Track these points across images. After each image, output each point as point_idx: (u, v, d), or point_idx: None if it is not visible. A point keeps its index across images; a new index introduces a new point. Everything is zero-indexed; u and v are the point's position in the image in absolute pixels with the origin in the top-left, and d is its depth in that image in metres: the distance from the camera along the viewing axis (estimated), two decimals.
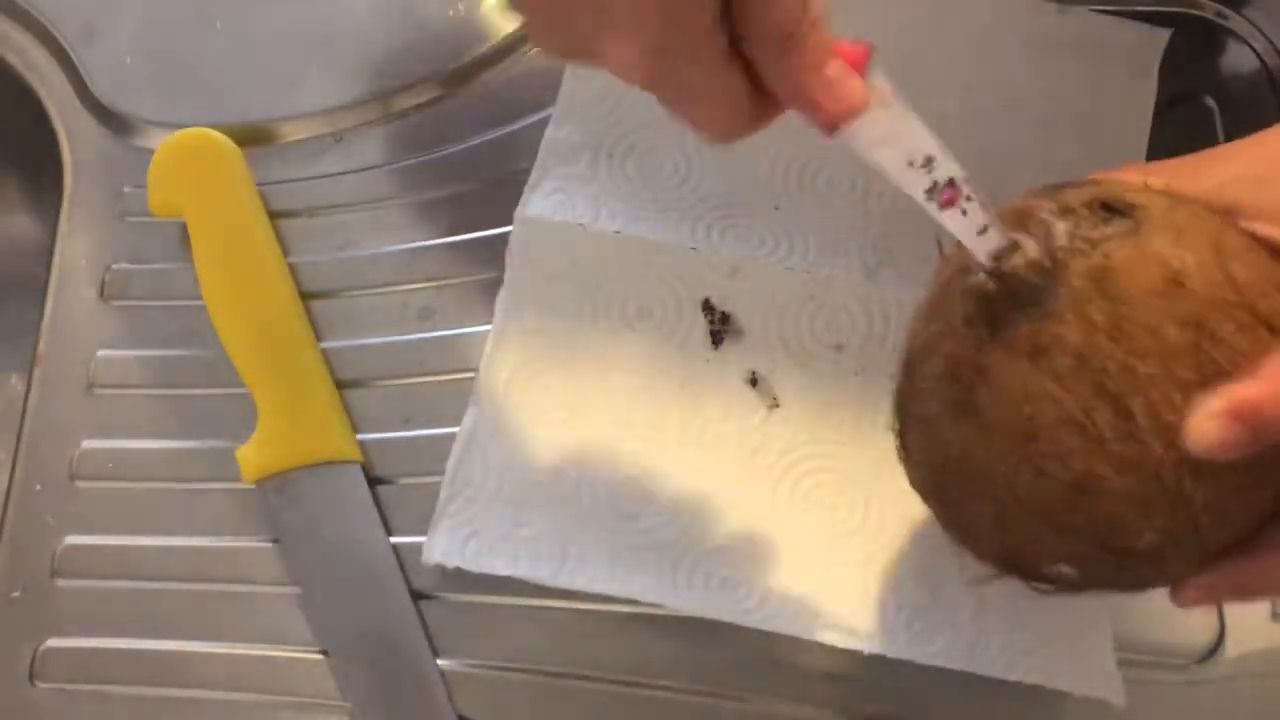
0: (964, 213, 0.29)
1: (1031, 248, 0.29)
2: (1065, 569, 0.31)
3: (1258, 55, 0.48)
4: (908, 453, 0.34)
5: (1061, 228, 0.29)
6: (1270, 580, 0.30)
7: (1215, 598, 0.31)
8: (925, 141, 0.29)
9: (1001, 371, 0.29)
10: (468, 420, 0.42)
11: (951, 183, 0.29)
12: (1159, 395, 0.27)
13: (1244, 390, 0.26)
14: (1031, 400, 0.28)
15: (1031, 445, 0.28)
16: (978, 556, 0.33)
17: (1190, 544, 0.29)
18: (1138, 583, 0.31)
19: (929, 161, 0.29)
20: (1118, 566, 0.30)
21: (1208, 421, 0.26)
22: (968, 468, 0.30)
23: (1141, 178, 0.32)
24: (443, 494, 0.41)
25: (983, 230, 0.29)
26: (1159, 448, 0.27)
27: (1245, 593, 0.31)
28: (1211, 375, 0.27)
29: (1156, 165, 0.33)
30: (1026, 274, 0.28)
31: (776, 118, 0.29)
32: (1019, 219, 0.30)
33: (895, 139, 0.29)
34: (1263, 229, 0.30)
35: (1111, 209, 0.29)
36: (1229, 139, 0.46)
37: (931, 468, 0.33)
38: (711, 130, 0.29)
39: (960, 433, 0.30)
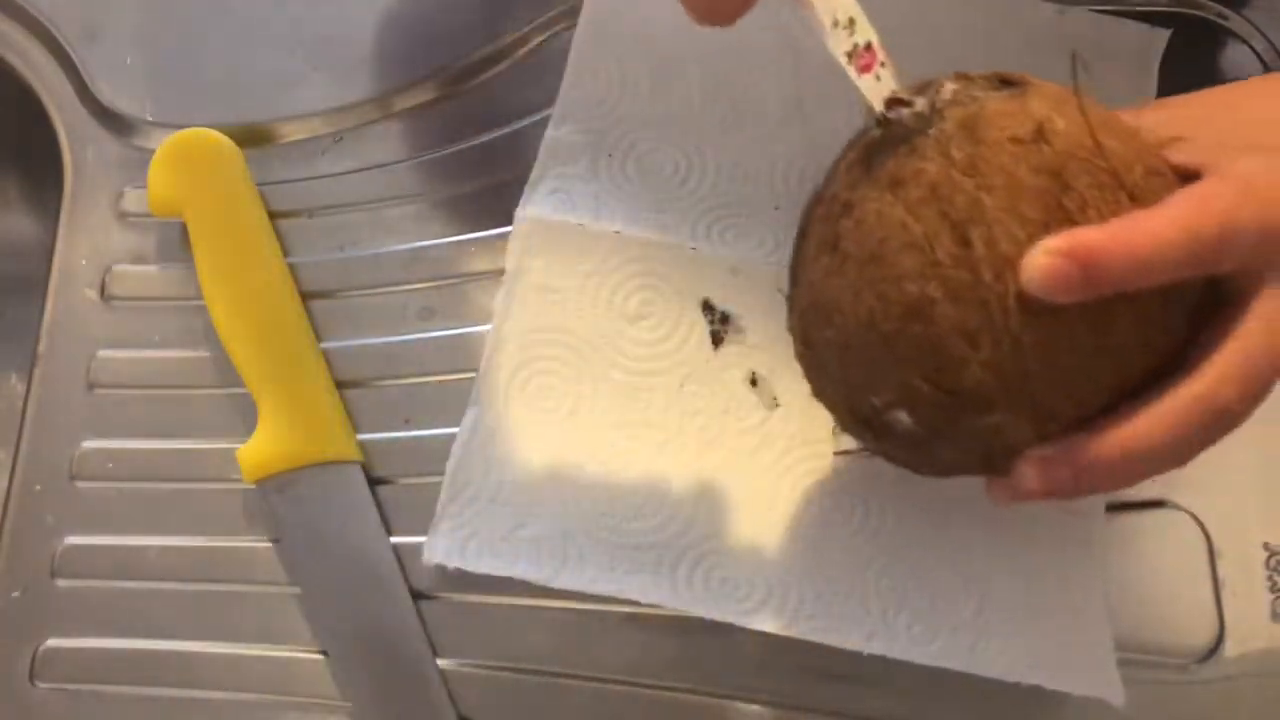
0: (878, 78, 0.31)
1: (919, 102, 0.30)
2: (902, 415, 0.30)
3: (1258, 55, 0.48)
4: (790, 307, 0.34)
5: (950, 86, 0.30)
6: (1108, 463, 0.29)
7: (1052, 480, 0.29)
8: (849, 4, 0.31)
9: (862, 203, 0.30)
10: (468, 420, 0.42)
11: (869, 46, 0.31)
12: (1000, 230, 0.28)
13: (1085, 234, 0.27)
14: (883, 226, 0.29)
15: (876, 269, 0.29)
16: (831, 410, 0.34)
17: (1020, 395, 0.29)
18: (975, 445, 0.30)
19: (851, 23, 0.31)
20: (949, 412, 0.30)
21: (1042, 256, 0.27)
22: (824, 299, 0.31)
23: None
24: (443, 494, 0.41)
25: (894, 104, 0.31)
26: (990, 278, 0.28)
27: (1085, 477, 0.29)
28: (1060, 221, 0.27)
29: None
30: (906, 119, 0.30)
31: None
32: (920, 86, 0.31)
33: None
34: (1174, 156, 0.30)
35: (1007, 82, 0.30)
36: None
37: (800, 312, 0.33)
38: (700, 12, 0.31)
39: (822, 265, 0.31)
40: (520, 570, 0.39)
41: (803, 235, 0.34)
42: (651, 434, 0.42)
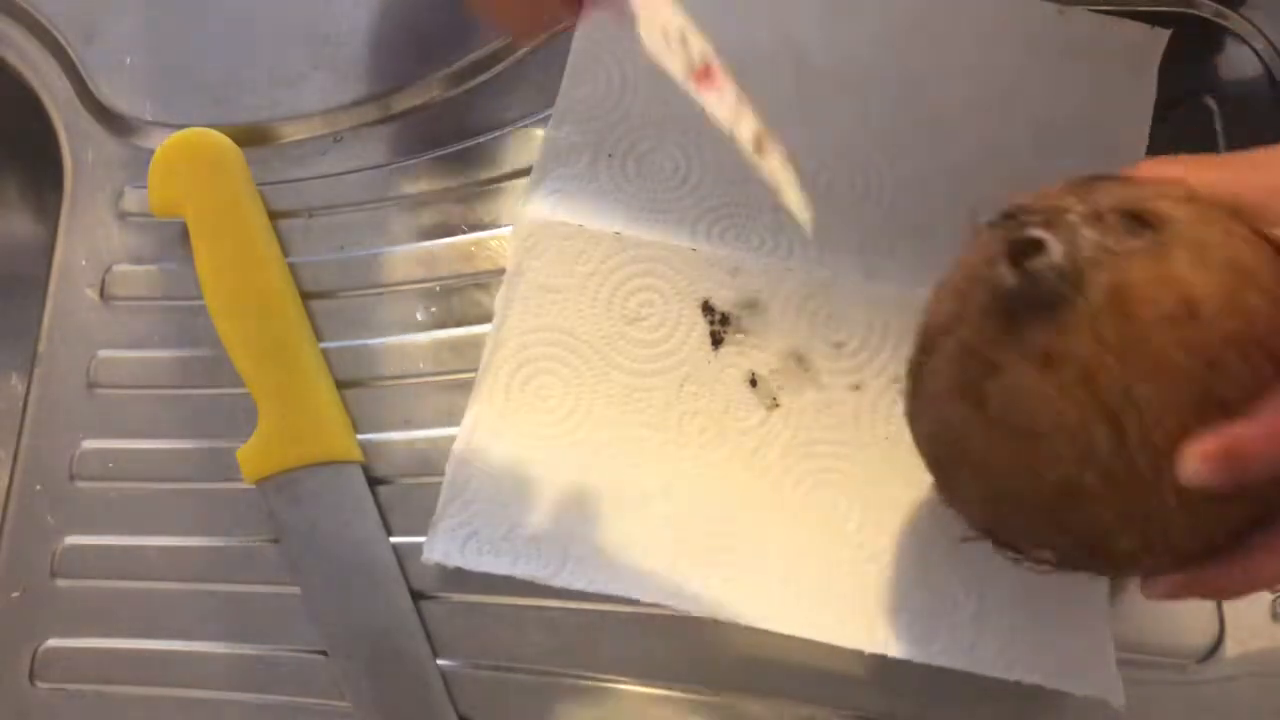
0: (721, 93, 0.28)
1: (1056, 251, 0.29)
2: (1045, 554, 0.32)
3: (1258, 55, 0.48)
4: (913, 418, 0.35)
5: (1088, 236, 0.29)
6: (1236, 585, 0.31)
7: (1183, 596, 0.32)
8: (677, 15, 0.28)
9: (1012, 373, 0.30)
10: (468, 420, 0.42)
11: (707, 63, 0.28)
12: (1153, 418, 0.28)
13: (1237, 434, 0.28)
14: (1035, 405, 0.29)
15: (1028, 445, 0.30)
16: (966, 520, 0.34)
17: (1164, 550, 0.30)
18: (1111, 574, 0.34)
19: (684, 39, 0.28)
20: (1093, 562, 0.32)
21: (1197, 460, 0.28)
22: (966, 449, 0.32)
23: (1179, 171, 0.32)
24: (443, 494, 0.41)
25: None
26: (1146, 468, 0.29)
27: (1213, 594, 0.33)
28: (1209, 405, 0.28)
29: (1199, 160, 0.33)
30: (1048, 278, 0.29)
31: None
32: (1047, 215, 0.30)
33: (651, 13, 0.28)
34: None
35: (1140, 220, 0.29)
36: (1229, 139, 0.46)
37: (934, 438, 0.34)
38: (510, 29, 0.30)
39: (964, 416, 0.31)
40: (520, 570, 0.39)
41: (923, 350, 0.33)
42: (651, 434, 0.42)
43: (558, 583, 0.39)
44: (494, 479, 0.41)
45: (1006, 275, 0.29)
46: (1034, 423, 0.29)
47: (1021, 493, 0.31)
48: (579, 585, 0.39)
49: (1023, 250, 0.29)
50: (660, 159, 0.45)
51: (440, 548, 0.40)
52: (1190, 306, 0.28)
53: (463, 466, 0.41)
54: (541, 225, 0.44)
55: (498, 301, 0.43)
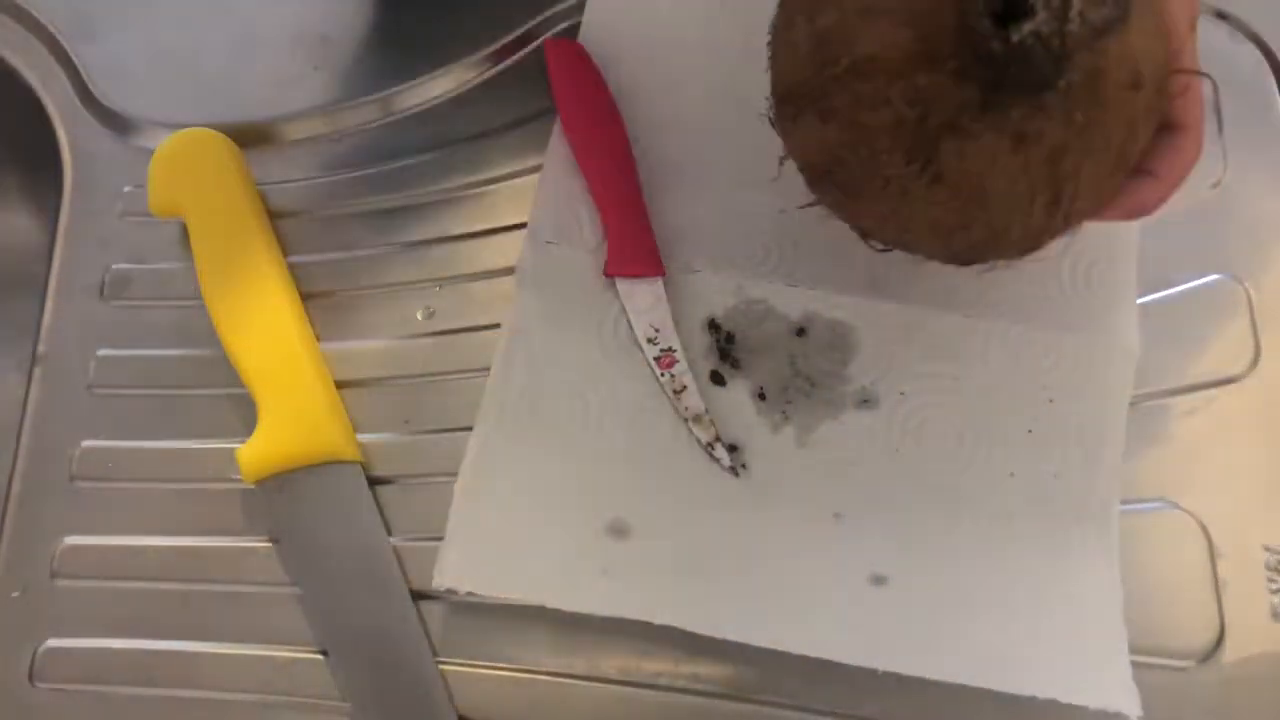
0: (673, 375, 0.42)
1: (1045, 21, 0.28)
2: (921, 256, 0.36)
3: (1260, 53, 0.48)
4: (800, 117, 0.33)
5: (1076, 6, 0.28)
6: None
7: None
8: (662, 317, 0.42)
9: (980, 141, 0.30)
10: (473, 443, 0.41)
11: (670, 350, 0.42)
12: (1084, 186, 0.31)
13: (1147, 192, 0.34)
14: (994, 174, 0.30)
15: (969, 202, 0.31)
16: (842, 217, 0.37)
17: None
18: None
19: (656, 333, 0.42)
20: (963, 266, 0.36)
21: (1112, 218, 0.35)
22: (887, 191, 0.32)
23: None
24: (451, 518, 0.40)
25: (680, 390, 0.41)
26: (1060, 223, 0.33)
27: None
28: (1121, 165, 0.32)
29: None
30: (1038, 55, 0.28)
31: None
32: None
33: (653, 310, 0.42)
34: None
35: None
36: (1229, 138, 0.46)
37: (839, 162, 0.33)
38: None
39: (898, 164, 0.31)
40: (532, 595, 0.39)
41: (859, 76, 0.31)
42: (659, 456, 0.41)
43: (571, 607, 0.39)
44: (503, 502, 0.41)
45: (992, 39, 0.28)
46: (985, 187, 0.31)
47: (942, 233, 0.33)
48: (592, 609, 0.39)
49: (1009, 9, 0.28)
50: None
51: (451, 573, 0.39)
52: (1136, 79, 0.30)
53: (471, 489, 0.41)
54: (543, 248, 0.44)
55: (504, 322, 0.43)
